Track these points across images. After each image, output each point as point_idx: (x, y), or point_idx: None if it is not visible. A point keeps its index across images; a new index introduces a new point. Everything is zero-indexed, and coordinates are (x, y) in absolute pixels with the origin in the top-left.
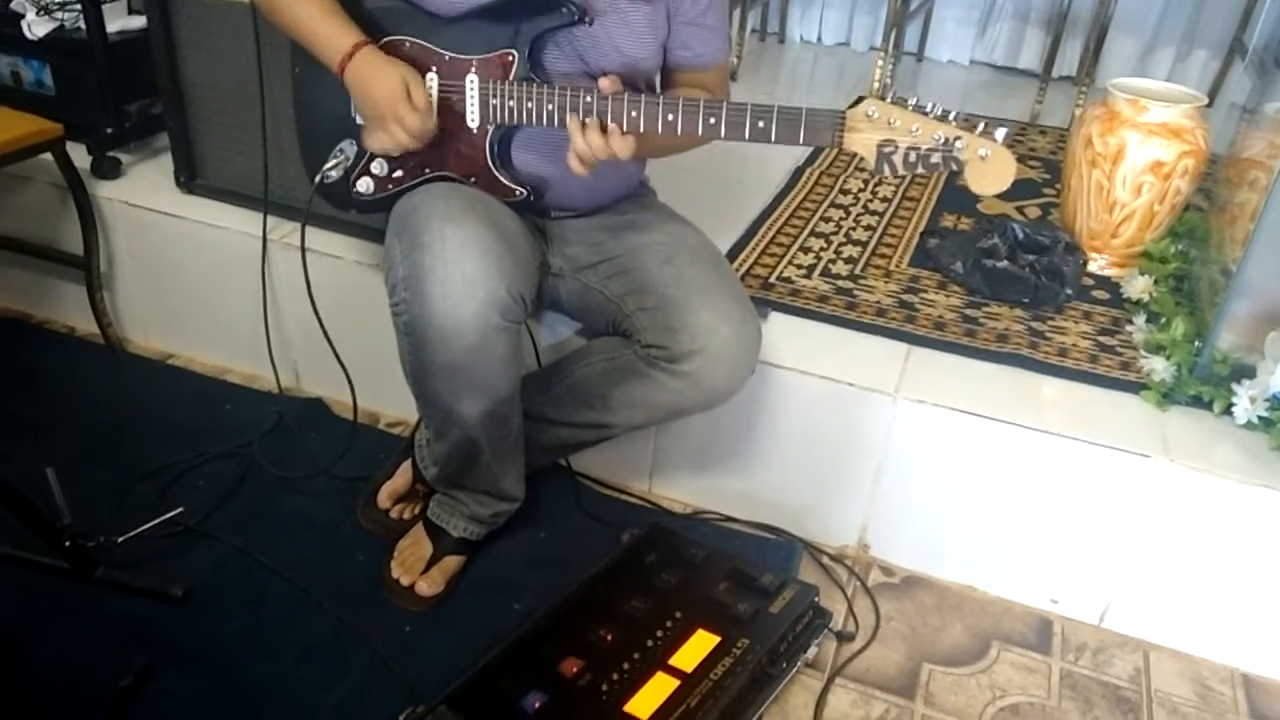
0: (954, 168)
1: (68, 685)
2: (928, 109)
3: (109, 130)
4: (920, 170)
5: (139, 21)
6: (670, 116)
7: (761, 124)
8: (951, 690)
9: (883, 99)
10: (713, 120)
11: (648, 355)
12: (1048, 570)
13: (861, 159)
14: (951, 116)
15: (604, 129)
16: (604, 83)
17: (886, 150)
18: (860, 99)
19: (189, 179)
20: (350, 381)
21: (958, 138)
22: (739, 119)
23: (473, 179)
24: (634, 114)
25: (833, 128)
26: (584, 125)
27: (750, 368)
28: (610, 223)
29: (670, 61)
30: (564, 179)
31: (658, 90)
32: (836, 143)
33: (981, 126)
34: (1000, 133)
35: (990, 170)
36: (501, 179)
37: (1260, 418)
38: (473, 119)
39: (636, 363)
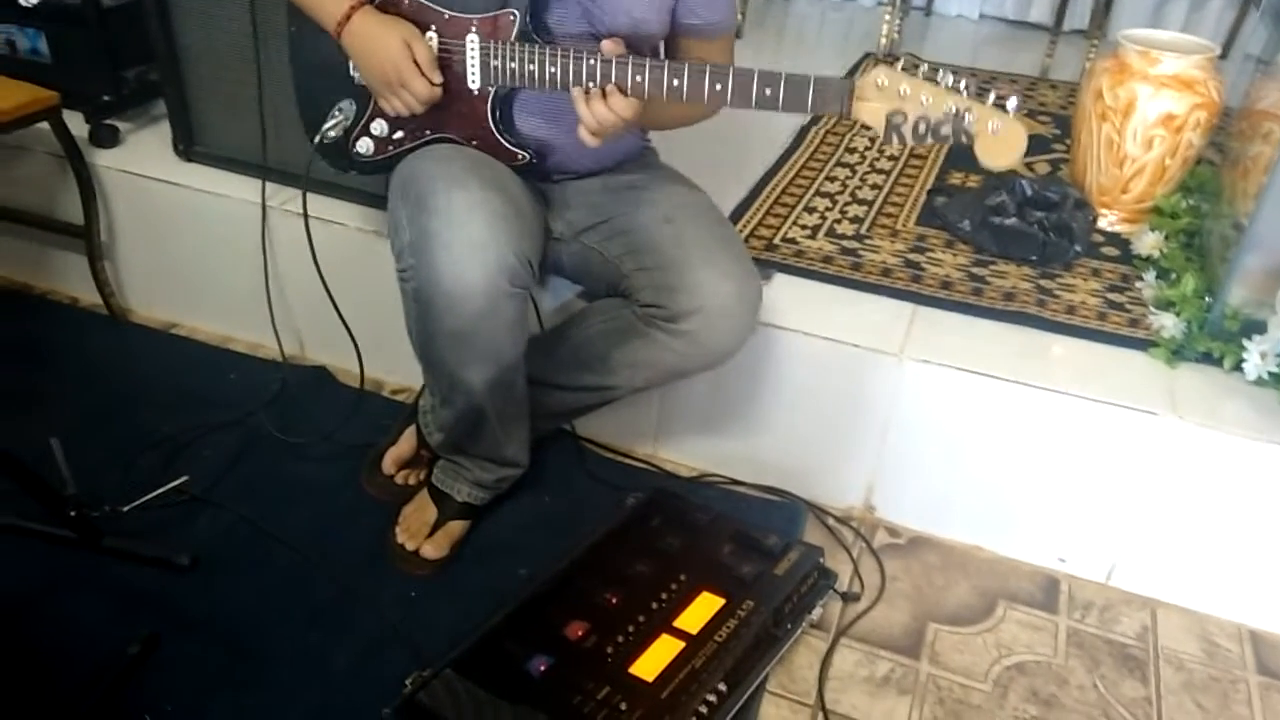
0: (964, 140)
1: (76, 654)
2: (938, 78)
3: (106, 98)
4: (930, 141)
5: None
6: (676, 81)
7: (769, 91)
8: (957, 649)
9: (892, 64)
10: (719, 86)
11: (646, 315)
12: (1055, 529)
13: (870, 128)
14: (963, 86)
15: (605, 94)
16: (607, 44)
17: (896, 121)
18: (868, 54)
19: (187, 146)
20: (357, 347)
21: (969, 109)
22: (745, 85)
23: (474, 142)
24: (639, 78)
25: (841, 96)
26: (587, 95)
27: (751, 326)
28: (612, 184)
29: (676, 28)
30: (567, 143)
31: (662, 57)
32: (845, 112)
33: (993, 98)
34: (1012, 104)
35: (1001, 144)
36: (504, 142)
37: (1271, 373)
38: (473, 80)
39: (635, 322)
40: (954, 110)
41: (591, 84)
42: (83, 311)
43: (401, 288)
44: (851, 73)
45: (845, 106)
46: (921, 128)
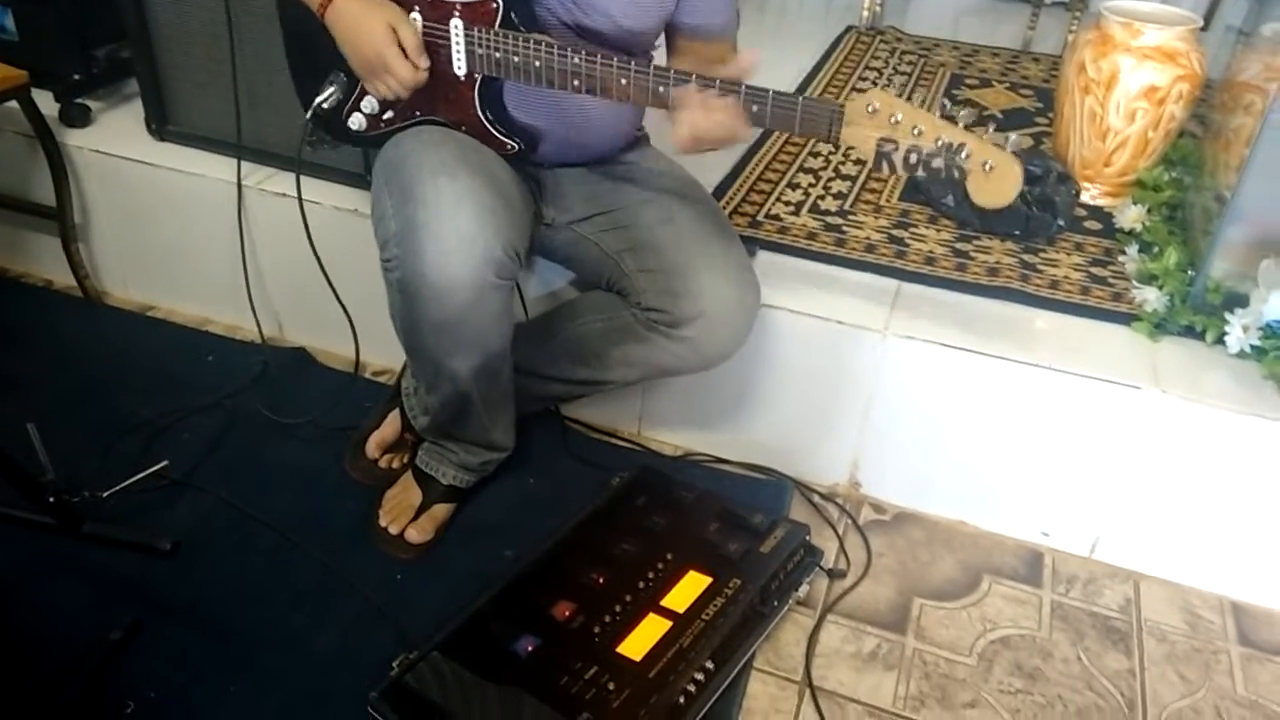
0: (956, 175)
1: (57, 641)
2: (933, 106)
3: (76, 76)
4: (921, 173)
5: None
6: (661, 89)
7: (756, 108)
8: (943, 624)
9: (885, 89)
10: None
11: (647, 319)
12: (1038, 503)
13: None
14: (959, 117)
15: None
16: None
17: (886, 149)
18: (850, 28)
19: (160, 125)
20: (353, 327)
21: (963, 145)
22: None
23: (463, 127)
24: (624, 82)
25: (830, 121)
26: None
27: (748, 331)
28: (608, 173)
29: (677, 27)
30: (557, 130)
31: (651, 57)
32: (833, 138)
33: (990, 131)
34: (1010, 140)
35: (994, 182)
36: (492, 131)
37: (1253, 346)
38: (459, 66)
39: (634, 325)
40: (948, 143)
41: (576, 83)
42: (57, 294)
43: (385, 277)
44: (833, 48)
45: (834, 132)
46: (913, 158)
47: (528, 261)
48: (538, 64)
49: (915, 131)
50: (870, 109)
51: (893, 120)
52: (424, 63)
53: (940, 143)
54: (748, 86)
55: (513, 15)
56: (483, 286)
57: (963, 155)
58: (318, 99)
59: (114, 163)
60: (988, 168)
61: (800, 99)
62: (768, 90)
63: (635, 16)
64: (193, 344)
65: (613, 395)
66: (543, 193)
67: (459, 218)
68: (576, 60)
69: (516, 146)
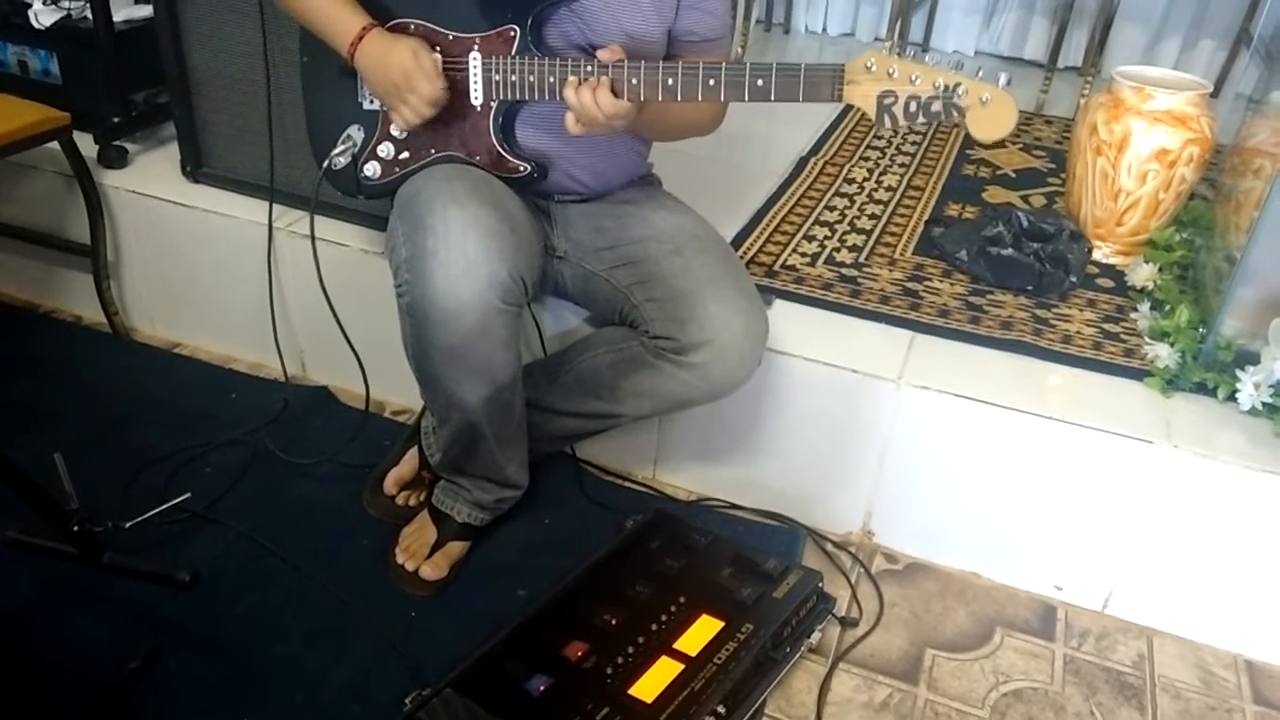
0: (955, 115)
1: (76, 669)
2: (927, 59)
3: (115, 119)
4: (921, 120)
5: (145, 10)
6: (670, 81)
7: (760, 82)
8: (955, 675)
9: (880, 49)
10: (711, 82)
11: (655, 347)
12: (1051, 557)
13: (864, 113)
14: (951, 64)
15: (596, 89)
16: (603, 53)
17: (887, 101)
18: None
19: (195, 168)
20: (362, 367)
21: (958, 84)
22: (738, 78)
23: (477, 158)
24: (634, 81)
25: (832, 82)
26: (579, 85)
27: (758, 359)
28: (616, 209)
29: (674, 45)
30: (568, 156)
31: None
32: (836, 96)
33: (981, 72)
34: (1002, 77)
35: (992, 115)
36: (506, 156)
37: (1264, 403)
38: (476, 96)
39: (644, 354)
40: (943, 86)
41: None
42: (86, 329)
43: (398, 303)
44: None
45: (836, 92)
46: (912, 106)
47: (540, 295)
48: (552, 80)
49: (913, 79)
50: (868, 66)
51: (890, 73)
52: (442, 83)
53: (936, 86)
54: (752, 63)
55: (529, 40)
56: (488, 310)
57: (960, 93)
58: (332, 154)
59: (148, 203)
60: (985, 100)
61: (803, 66)
62: (771, 63)
63: (639, 21)
64: (217, 381)
65: (627, 438)
66: (552, 224)
67: (466, 243)
68: (590, 69)
69: (529, 169)
